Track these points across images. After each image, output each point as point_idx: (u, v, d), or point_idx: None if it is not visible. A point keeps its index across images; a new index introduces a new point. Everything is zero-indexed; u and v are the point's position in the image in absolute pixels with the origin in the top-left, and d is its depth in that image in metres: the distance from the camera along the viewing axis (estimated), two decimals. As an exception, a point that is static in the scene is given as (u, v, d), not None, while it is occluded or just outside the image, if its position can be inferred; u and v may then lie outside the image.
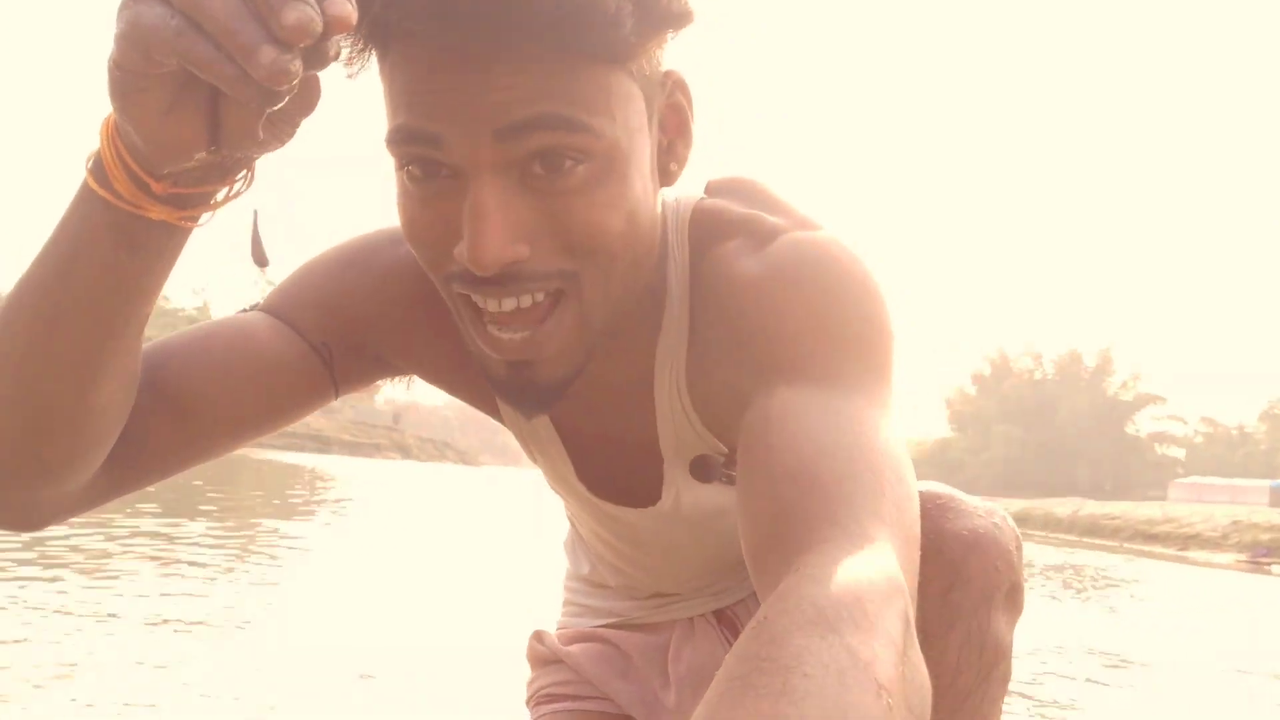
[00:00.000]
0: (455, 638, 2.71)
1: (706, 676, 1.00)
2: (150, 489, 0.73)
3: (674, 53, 0.65)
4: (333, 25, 0.42)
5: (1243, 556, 12.18)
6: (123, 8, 0.44)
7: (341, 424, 59.52)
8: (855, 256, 0.68)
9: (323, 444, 51.23)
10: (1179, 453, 66.66)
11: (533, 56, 0.56)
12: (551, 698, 1.07)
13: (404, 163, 0.60)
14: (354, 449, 55.12)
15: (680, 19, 0.62)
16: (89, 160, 0.52)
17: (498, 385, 0.66)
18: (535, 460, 0.90)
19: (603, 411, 0.81)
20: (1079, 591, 6.45)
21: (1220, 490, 37.16)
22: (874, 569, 0.47)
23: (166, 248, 0.55)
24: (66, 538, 3.94)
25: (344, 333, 0.78)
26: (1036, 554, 9.97)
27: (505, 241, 0.58)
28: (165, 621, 2.53)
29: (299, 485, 11.83)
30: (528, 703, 1.10)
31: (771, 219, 0.72)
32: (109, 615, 2.56)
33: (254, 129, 0.48)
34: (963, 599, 0.75)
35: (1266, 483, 37.21)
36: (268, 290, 0.83)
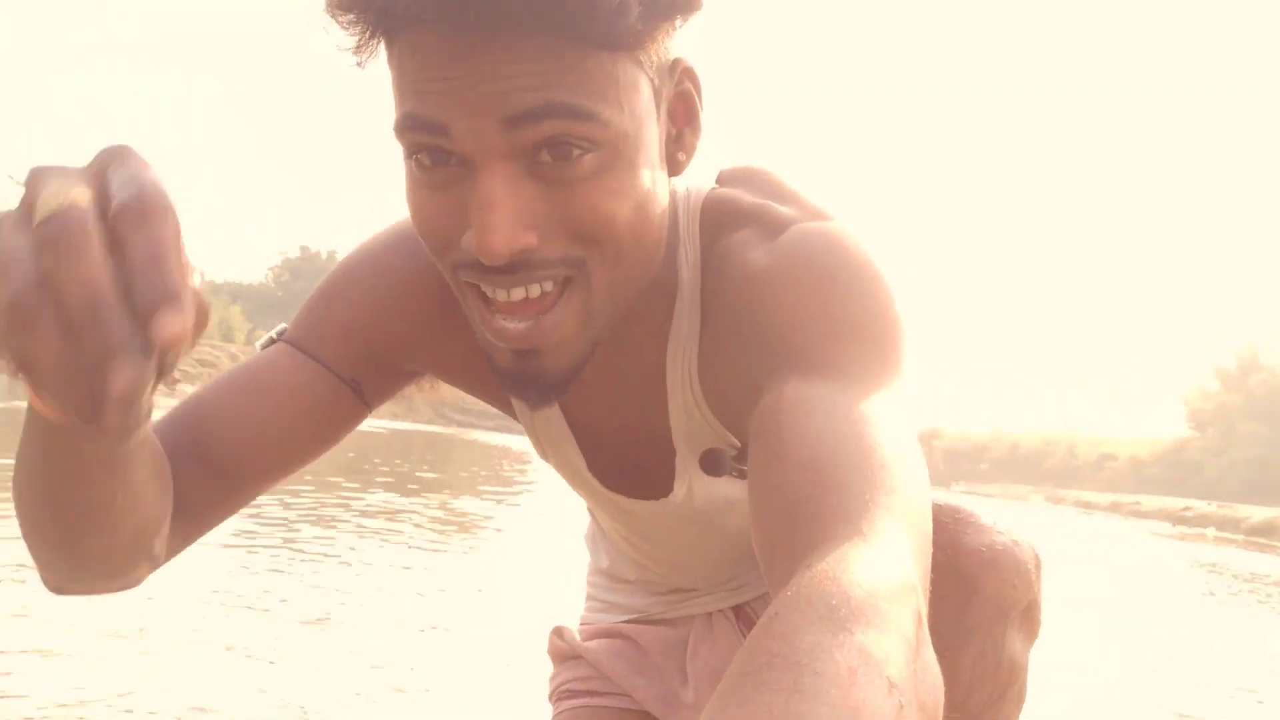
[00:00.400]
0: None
1: (723, 674, 0.94)
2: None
3: (683, 41, 0.66)
4: (167, 351, 0.38)
5: None
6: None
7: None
8: (864, 248, 0.68)
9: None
10: None
11: (540, 45, 0.56)
12: (572, 693, 1.07)
13: (412, 151, 0.61)
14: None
15: (688, 6, 0.62)
16: None
17: (504, 376, 0.65)
18: (547, 456, 0.90)
19: (615, 403, 0.81)
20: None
21: None
22: (887, 566, 0.46)
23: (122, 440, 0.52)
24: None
25: (371, 358, 0.80)
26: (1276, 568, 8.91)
27: (514, 230, 0.58)
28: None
29: (507, 462, 12.31)
30: (550, 697, 1.10)
31: (782, 209, 0.72)
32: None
33: (138, 402, 0.42)
34: (978, 616, 0.75)
35: None
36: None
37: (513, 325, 0.62)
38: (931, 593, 0.51)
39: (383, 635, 2.17)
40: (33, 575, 0.68)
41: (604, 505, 0.92)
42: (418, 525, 4.34)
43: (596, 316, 0.64)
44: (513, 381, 0.65)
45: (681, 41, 0.65)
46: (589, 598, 1.15)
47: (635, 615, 1.09)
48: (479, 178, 0.58)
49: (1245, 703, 2.84)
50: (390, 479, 6.78)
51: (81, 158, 0.43)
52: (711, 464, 0.81)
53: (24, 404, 0.52)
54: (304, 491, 4.91)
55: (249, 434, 0.74)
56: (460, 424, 33.35)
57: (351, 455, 8.20)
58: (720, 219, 0.74)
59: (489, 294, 0.62)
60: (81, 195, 0.39)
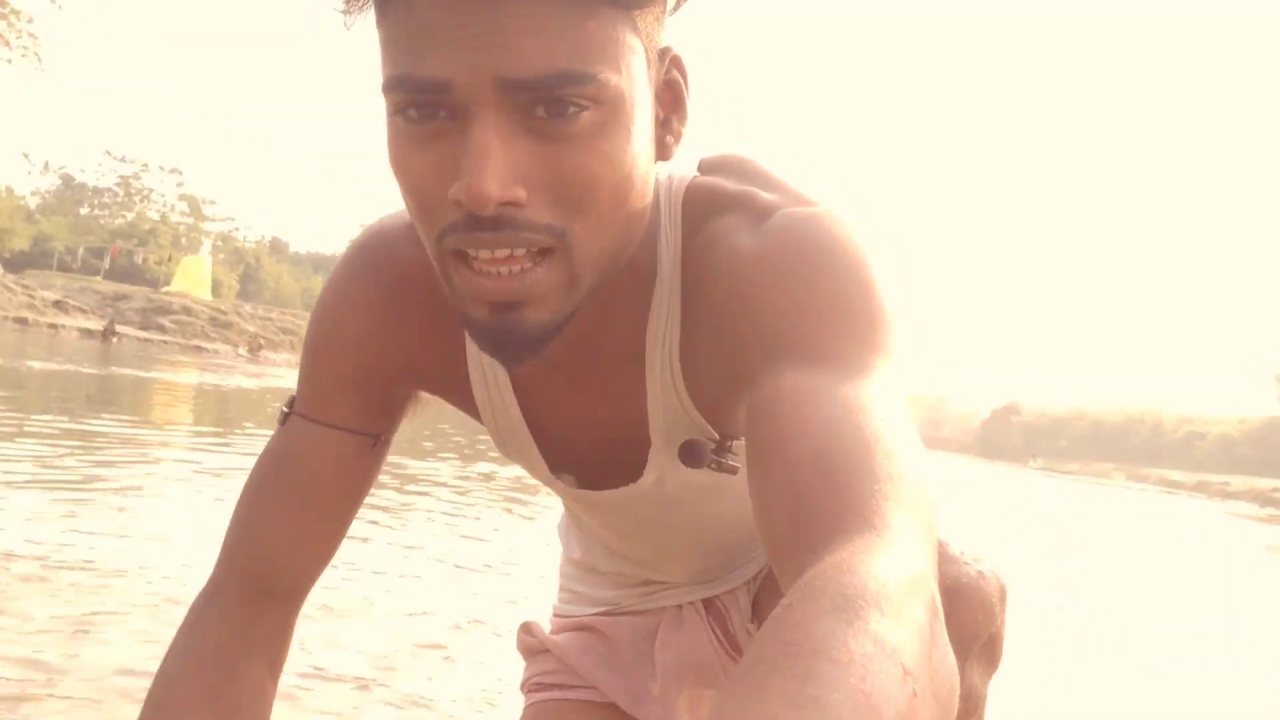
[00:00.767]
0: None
1: (691, 666, 1.02)
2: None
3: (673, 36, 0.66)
4: None
5: None
6: None
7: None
8: (853, 232, 0.67)
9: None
10: None
11: (544, 6, 0.56)
12: (541, 686, 1.08)
13: (401, 107, 0.59)
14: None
15: None
16: None
17: (481, 332, 0.64)
18: (511, 456, 0.89)
19: (588, 392, 0.79)
20: None
21: None
22: (898, 559, 0.47)
23: None
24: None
25: (371, 398, 0.82)
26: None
27: (505, 179, 0.57)
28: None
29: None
30: (521, 688, 1.11)
31: (766, 195, 0.71)
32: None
33: None
34: None
35: None
36: None
37: (493, 283, 0.61)
38: None
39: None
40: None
41: (573, 498, 0.92)
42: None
43: (577, 283, 0.63)
44: (490, 336, 0.63)
45: (671, 34, 0.66)
46: (561, 588, 1.15)
47: (606, 607, 1.08)
48: (472, 127, 0.57)
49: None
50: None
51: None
52: (691, 456, 0.79)
53: None
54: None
55: (303, 560, 0.82)
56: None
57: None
58: (703, 205, 0.73)
59: (472, 254, 0.61)
60: None
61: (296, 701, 1.58)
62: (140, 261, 57.94)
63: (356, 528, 2.73)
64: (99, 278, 47.35)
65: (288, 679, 1.51)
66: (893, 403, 0.58)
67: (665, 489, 0.83)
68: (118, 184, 72.30)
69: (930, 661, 0.42)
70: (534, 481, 0.98)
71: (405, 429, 0.89)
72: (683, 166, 0.77)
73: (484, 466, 5.80)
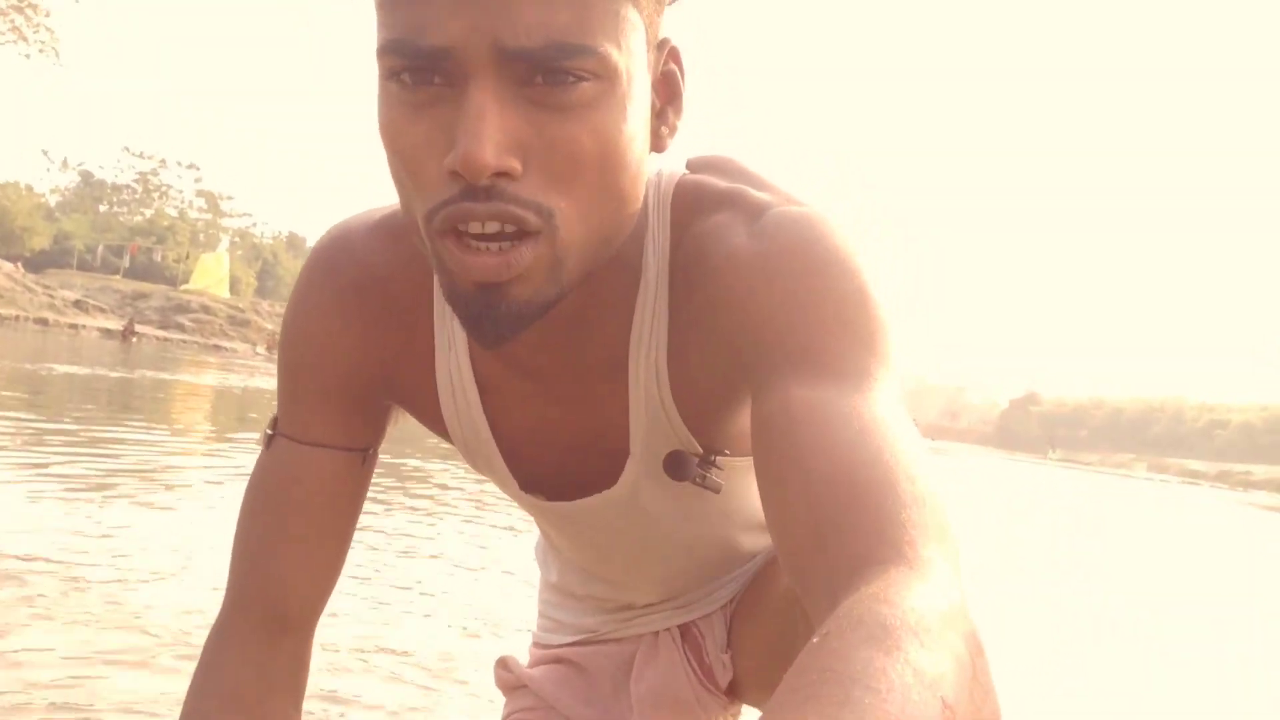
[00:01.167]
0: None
1: (667, 698, 1.00)
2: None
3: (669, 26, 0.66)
4: None
5: None
6: None
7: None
8: (846, 234, 0.67)
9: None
10: None
11: None
12: None
13: (395, 72, 0.57)
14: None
15: None
16: None
17: (464, 307, 0.61)
18: (479, 470, 0.85)
19: (566, 398, 0.76)
20: None
21: None
22: (935, 591, 0.46)
23: None
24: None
25: (352, 410, 0.80)
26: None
27: (501, 147, 0.55)
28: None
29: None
30: None
31: (757, 194, 0.70)
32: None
33: None
34: None
35: None
36: None
37: (481, 259, 0.58)
38: None
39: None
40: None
41: (545, 514, 0.88)
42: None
43: (561, 265, 0.60)
44: (474, 312, 0.61)
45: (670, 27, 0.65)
46: (540, 615, 1.12)
47: (584, 635, 1.05)
48: (469, 92, 0.55)
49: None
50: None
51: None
52: (676, 468, 0.76)
53: None
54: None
55: (311, 586, 0.80)
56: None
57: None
58: (693, 203, 0.71)
59: (462, 228, 0.59)
60: None
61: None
62: (159, 259, 58.38)
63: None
64: (119, 276, 47.75)
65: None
66: (902, 415, 0.58)
67: (640, 501, 0.81)
68: (136, 180, 72.86)
69: (971, 696, 0.41)
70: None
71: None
72: (672, 164, 0.76)
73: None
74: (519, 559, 3.18)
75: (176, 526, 3.05)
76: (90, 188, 74.22)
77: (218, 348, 30.80)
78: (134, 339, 27.13)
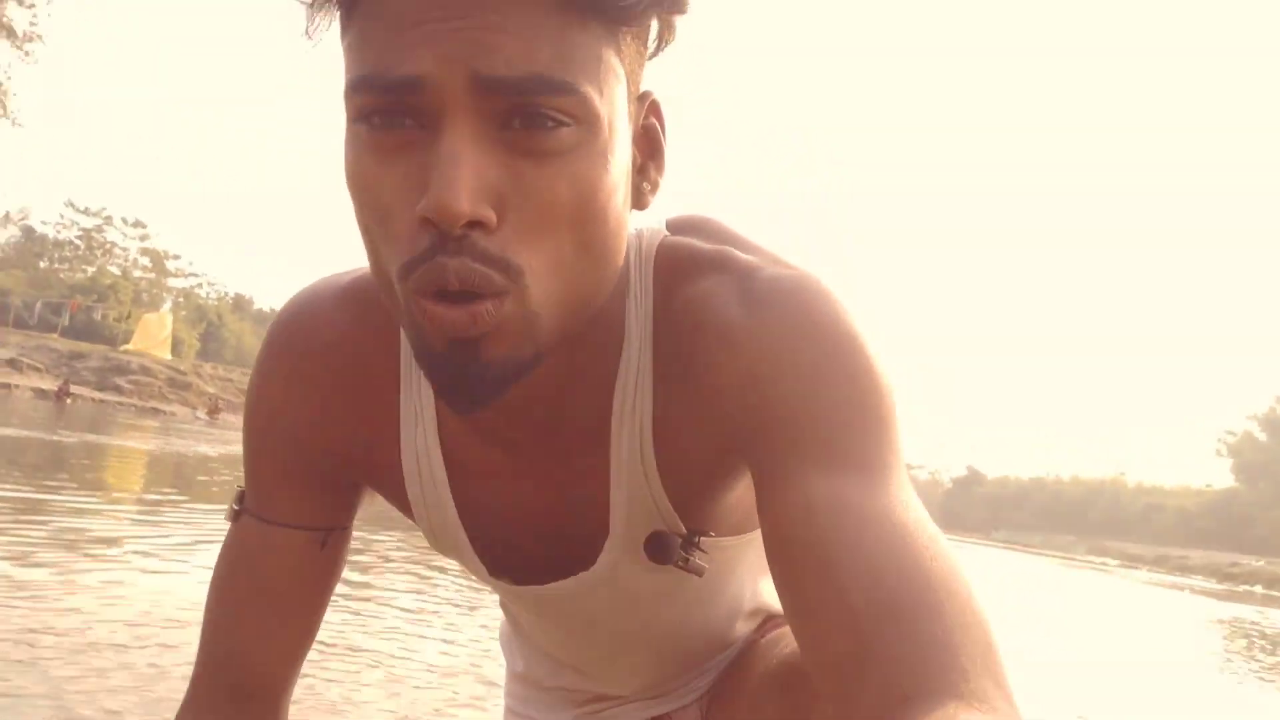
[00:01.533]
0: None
1: None
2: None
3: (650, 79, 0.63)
4: None
5: None
6: None
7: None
8: (845, 302, 0.64)
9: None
10: None
11: (527, 7, 0.52)
12: None
13: (365, 113, 0.54)
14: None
15: (675, 3, 0.58)
16: None
17: (437, 367, 0.57)
18: (445, 553, 0.81)
19: (541, 474, 0.71)
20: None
21: None
22: None
23: None
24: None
25: (317, 489, 0.77)
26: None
27: (477, 194, 0.52)
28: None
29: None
30: None
31: (744, 256, 0.67)
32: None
33: None
34: None
35: None
36: None
37: (454, 313, 0.54)
38: None
39: None
40: None
41: (516, 599, 0.84)
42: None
43: (534, 322, 0.56)
44: (448, 373, 0.56)
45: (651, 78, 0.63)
46: (507, 710, 1.05)
47: None
48: (444, 133, 0.52)
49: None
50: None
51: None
52: (658, 550, 0.71)
53: None
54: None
55: (278, 659, 0.79)
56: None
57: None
58: (678, 266, 0.68)
59: (434, 282, 0.55)
60: None
61: None
62: (100, 318, 57.17)
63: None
64: (56, 335, 46.61)
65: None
66: (921, 507, 0.56)
67: (618, 585, 0.76)
68: (79, 236, 71.66)
69: None
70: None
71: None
72: (652, 225, 0.73)
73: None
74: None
75: (96, 598, 2.91)
76: (31, 243, 72.82)
77: (156, 410, 30.04)
78: (69, 400, 26.37)
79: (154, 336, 45.67)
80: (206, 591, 0.80)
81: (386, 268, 0.56)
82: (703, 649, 0.90)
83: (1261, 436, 60.97)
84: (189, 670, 0.80)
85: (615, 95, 0.57)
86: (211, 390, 36.19)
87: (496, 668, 2.86)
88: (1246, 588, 16.78)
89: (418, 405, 0.73)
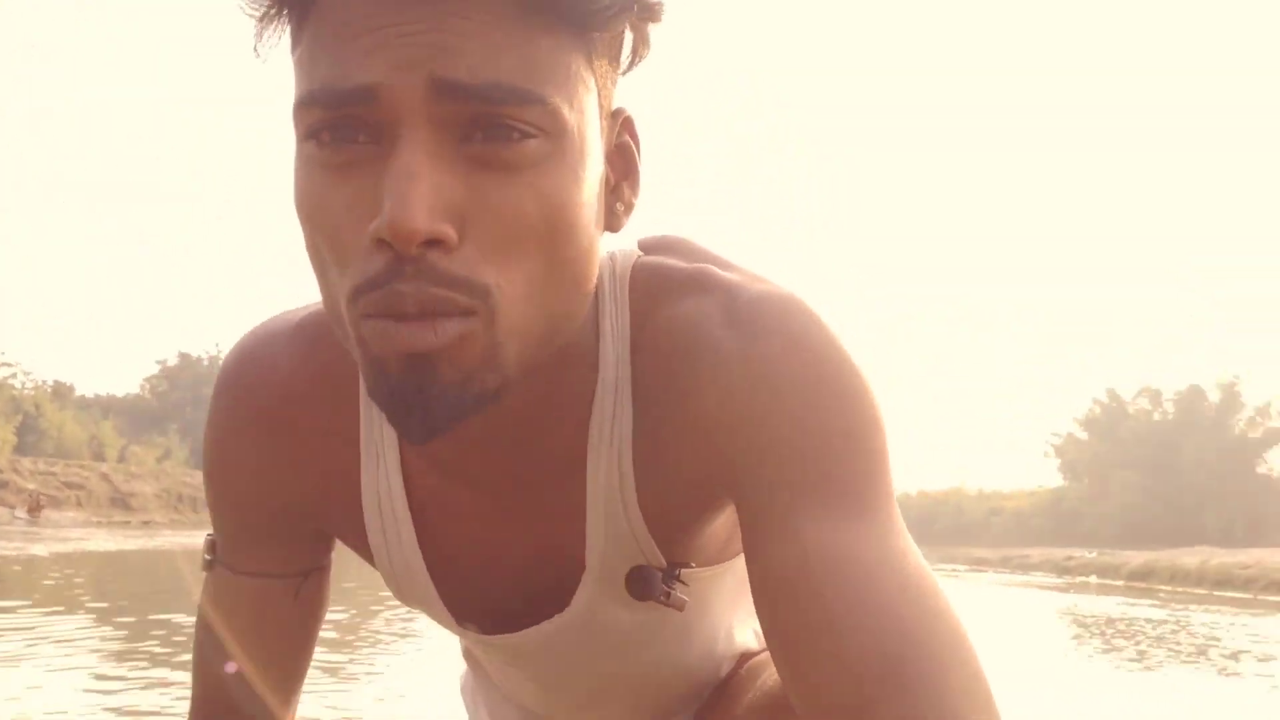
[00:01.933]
0: None
1: None
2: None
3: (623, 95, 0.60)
4: None
5: (1393, 608, 11.19)
6: None
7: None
8: (827, 319, 0.61)
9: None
10: (1318, 491, 62.30)
11: (491, 12, 0.49)
12: None
13: (315, 130, 0.51)
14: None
15: (648, 10, 0.55)
16: None
17: (388, 391, 0.52)
18: (410, 604, 0.77)
19: (512, 510, 0.68)
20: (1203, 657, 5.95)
21: (1366, 532, 34.47)
22: None
23: None
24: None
25: (286, 540, 0.74)
26: (1155, 613, 9.29)
27: (435, 211, 0.48)
28: None
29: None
30: None
31: (724, 274, 0.64)
32: None
33: None
34: None
35: None
36: None
37: (409, 328, 0.50)
38: None
39: None
40: None
41: (486, 649, 0.79)
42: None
43: (499, 351, 0.52)
44: (400, 397, 0.52)
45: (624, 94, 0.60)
46: None
47: None
48: (399, 147, 0.49)
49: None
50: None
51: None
52: (640, 586, 0.67)
53: None
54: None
55: (269, 690, 0.76)
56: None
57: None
58: (654, 287, 0.65)
59: (386, 307, 0.51)
60: None
61: None
62: (-105, 419, 52.04)
63: None
64: None
65: None
66: (919, 555, 0.56)
67: (595, 626, 0.71)
68: None
69: None
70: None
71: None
72: (625, 245, 0.70)
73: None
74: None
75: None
76: None
77: (-30, 514, 27.54)
78: None
79: (-39, 434, 41.92)
80: (194, 636, 0.80)
81: (337, 296, 0.53)
82: (680, 691, 0.85)
83: (1083, 436, 65.45)
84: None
85: (586, 107, 0.54)
86: (32, 486, 33.50)
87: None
88: (1082, 579, 17.93)
89: (379, 446, 0.69)
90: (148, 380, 77.53)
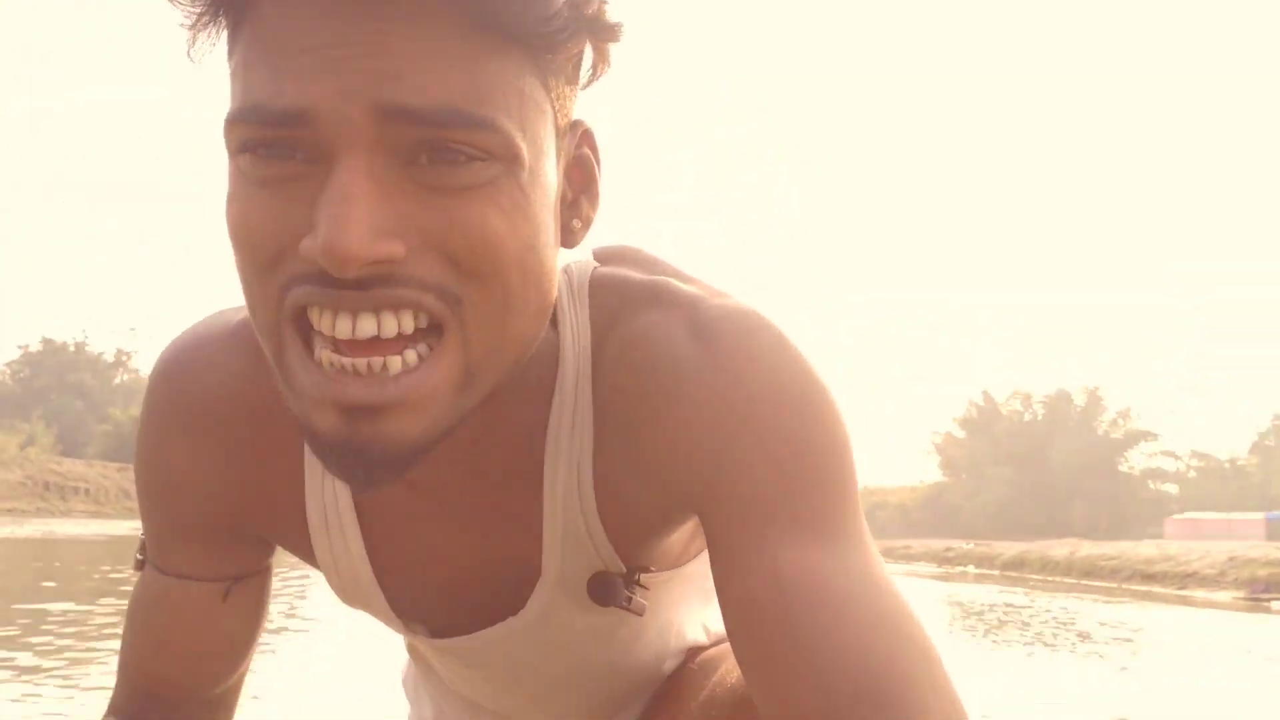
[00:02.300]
0: None
1: None
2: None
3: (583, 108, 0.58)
4: None
5: (1241, 594, 12.01)
6: None
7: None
8: (786, 332, 0.61)
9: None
10: (1173, 489, 66.42)
11: (438, 30, 0.46)
12: None
13: (248, 145, 0.47)
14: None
15: (607, 30, 0.53)
16: None
17: (325, 447, 0.49)
18: (354, 605, 0.75)
19: (465, 519, 0.66)
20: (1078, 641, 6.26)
21: (1216, 525, 36.95)
22: None
23: None
24: None
25: (219, 545, 0.72)
26: (1032, 600, 9.74)
27: (374, 232, 0.45)
28: None
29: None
30: None
31: (683, 287, 0.62)
32: None
33: None
34: None
35: (1261, 515, 37.08)
36: None
37: (351, 380, 0.47)
38: None
39: None
40: None
41: (432, 646, 0.77)
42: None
43: (471, 382, 0.50)
44: (339, 454, 0.49)
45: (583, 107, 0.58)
46: None
47: None
48: (337, 169, 0.46)
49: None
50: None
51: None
52: (602, 592, 0.66)
53: None
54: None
55: (203, 683, 0.75)
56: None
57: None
58: (613, 299, 0.63)
59: (319, 326, 0.48)
60: None
61: None
62: None
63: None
64: None
65: None
66: (888, 575, 0.55)
67: (549, 629, 0.70)
68: None
69: None
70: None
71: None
72: (579, 259, 0.68)
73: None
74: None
75: None
76: None
77: None
78: None
79: None
80: (121, 635, 0.77)
81: (262, 305, 0.50)
82: (631, 688, 0.84)
83: (960, 434, 68.21)
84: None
85: (539, 131, 0.51)
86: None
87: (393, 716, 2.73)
88: (961, 569, 18.67)
89: None
90: (9, 365, 73.29)
